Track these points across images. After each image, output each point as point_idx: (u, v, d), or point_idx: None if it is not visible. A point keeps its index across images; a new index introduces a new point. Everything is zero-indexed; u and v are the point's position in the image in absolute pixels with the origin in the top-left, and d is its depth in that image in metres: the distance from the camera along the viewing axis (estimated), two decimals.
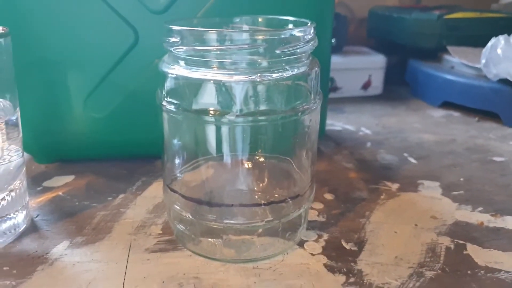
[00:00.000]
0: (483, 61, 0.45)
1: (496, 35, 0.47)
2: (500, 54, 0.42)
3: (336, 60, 0.56)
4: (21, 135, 0.28)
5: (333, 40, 0.57)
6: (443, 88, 0.53)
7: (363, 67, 0.57)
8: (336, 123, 0.49)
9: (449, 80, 0.52)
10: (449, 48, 0.55)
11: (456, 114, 0.52)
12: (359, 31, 0.72)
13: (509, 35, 0.50)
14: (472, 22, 0.57)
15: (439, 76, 0.54)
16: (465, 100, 0.51)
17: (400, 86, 0.62)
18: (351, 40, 0.66)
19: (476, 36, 0.55)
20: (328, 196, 0.32)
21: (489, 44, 0.44)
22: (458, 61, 0.53)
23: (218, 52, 0.21)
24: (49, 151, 0.36)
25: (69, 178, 0.35)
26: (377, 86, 0.58)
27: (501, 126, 0.48)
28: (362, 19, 0.71)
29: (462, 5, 0.70)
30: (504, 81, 0.46)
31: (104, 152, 0.37)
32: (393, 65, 0.62)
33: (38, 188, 0.33)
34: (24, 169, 0.29)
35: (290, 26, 0.26)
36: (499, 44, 0.43)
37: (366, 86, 0.58)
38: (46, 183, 0.34)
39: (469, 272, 0.24)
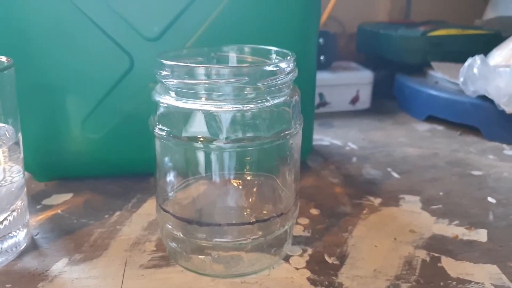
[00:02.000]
0: (461, 79, 0.47)
1: (478, 52, 0.49)
2: (476, 73, 0.44)
3: (325, 76, 0.58)
4: (22, 156, 0.30)
5: (321, 57, 0.59)
6: (428, 102, 0.55)
7: (351, 83, 0.60)
8: (325, 138, 0.51)
9: (433, 95, 0.54)
10: (433, 63, 0.57)
11: (440, 128, 0.54)
12: (350, 45, 0.75)
13: (489, 51, 0.53)
14: (454, 39, 0.59)
15: (424, 91, 0.56)
16: (448, 114, 0.53)
17: (388, 100, 0.64)
18: (342, 54, 0.68)
19: (459, 52, 0.58)
20: (314, 211, 0.34)
21: (466, 63, 0.46)
22: (441, 77, 0.56)
23: (206, 85, 0.23)
24: (49, 170, 0.38)
25: (68, 196, 0.36)
26: (365, 100, 0.61)
27: (482, 140, 0.50)
28: (353, 33, 0.74)
29: (449, 19, 0.72)
30: (483, 97, 0.48)
31: (101, 170, 0.39)
32: (381, 79, 0.64)
33: (38, 206, 0.35)
34: (25, 189, 0.30)
35: (273, 55, 0.28)
36: (475, 64, 0.45)
37: (354, 101, 0.60)
38: (46, 201, 0.36)
39: (441, 283, 0.26)
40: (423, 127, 0.55)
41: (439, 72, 0.56)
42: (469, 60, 0.46)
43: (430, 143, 0.49)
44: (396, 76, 0.63)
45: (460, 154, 0.46)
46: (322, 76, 0.57)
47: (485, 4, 0.74)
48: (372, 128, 0.54)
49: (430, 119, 0.56)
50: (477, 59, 0.45)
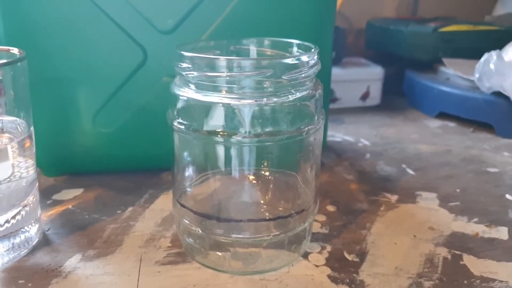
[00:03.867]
0: (477, 75, 0.47)
1: (489, 48, 0.49)
2: (492, 69, 0.44)
3: (335, 72, 0.57)
4: (34, 150, 0.29)
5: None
6: (439, 99, 0.55)
7: (362, 79, 0.59)
8: (336, 134, 0.50)
9: (444, 92, 0.54)
10: (444, 60, 0.57)
11: (452, 124, 0.54)
12: (358, 41, 0.74)
13: (501, 47, 0.52)
14: (466, 35, 0.58)
15: (435, 88, 0.55)
16: (460, 111, 0.52)
17: (398, 97, 0.63)
18: (349, 50, 0.67)
19: (470, 48, 0.57)
20: (331, 208, 0.34)
21: (482, 59, 0.45)
22: (453, 73, 0.55)
23: (227, 78, 0.22)
24: (58, 164, 0.37)
25: (78, 191, 0.36)
26: (375, 96, 0.60)
27: (495, 137, 0.49)
28: (360, 29, 0.73)
29: (457, 15, 0.72)
30: (497, 93, 0.47)
31: (112, 165, 0.38)
32: (391, 76, 0.64)
33: (48, 202, 0.34)
34: (37, 184, 0.30)
35: (295, 49, 0.27)
36: (491, 59, 0.44)
37: (364, 97, 0.60)
38: (56, 196, 0.35)
39: (465, 282, 0.25)
40: (435, 123, 0.54)
41: (451, 69, 0.55)
42: (485, 56, 0.45)
43: (442, 139, 0.49)
44: (406, 73, 0.62)
45: (474, 151, 0.45)
46: (332, 72, 0.56)
47: (493, 0, 0.73)
48: (383, 125, 0.54)
49: (441, 115, 0.55)
50: (493, 54, 0.44)
